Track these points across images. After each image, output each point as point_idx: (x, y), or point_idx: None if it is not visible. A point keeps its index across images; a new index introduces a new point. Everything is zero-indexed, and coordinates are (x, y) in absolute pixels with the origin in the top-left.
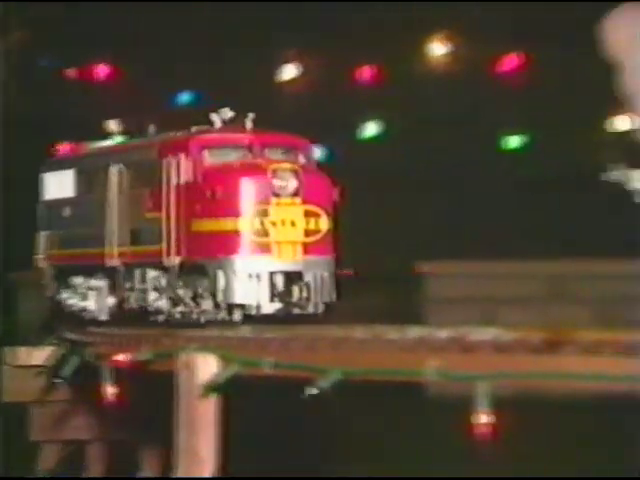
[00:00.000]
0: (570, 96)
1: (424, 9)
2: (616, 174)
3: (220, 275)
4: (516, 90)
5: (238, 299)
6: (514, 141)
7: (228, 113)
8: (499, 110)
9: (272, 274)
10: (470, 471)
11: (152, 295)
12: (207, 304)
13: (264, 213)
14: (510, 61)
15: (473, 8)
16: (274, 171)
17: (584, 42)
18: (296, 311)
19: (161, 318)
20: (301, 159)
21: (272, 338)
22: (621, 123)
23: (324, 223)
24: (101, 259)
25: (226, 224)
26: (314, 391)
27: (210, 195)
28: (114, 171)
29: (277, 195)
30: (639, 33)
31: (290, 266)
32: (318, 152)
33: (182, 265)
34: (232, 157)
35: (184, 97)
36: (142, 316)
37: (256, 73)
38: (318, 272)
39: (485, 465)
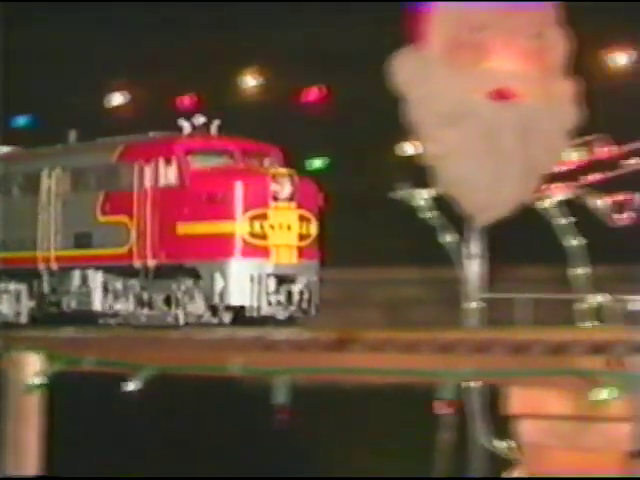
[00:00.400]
0: (365, 124)
1: (239, 44)
2: (403, 193)
3: (217, 277)
4: (319, 118)
5: (237, 301)
6: (317, 163)
7: (200, 119)
8: (304, 135)
9: (269, 277)
10: (268, 450)
11: (104, 298)
12: (197, 306)
13: (263, 217)
14: (313, 93)
15: (282, 44)
16: (273, 176)
17: (377, 77)
18: (297, 314)
19: (114, 321)
20: (274, 165)
21: (95, 337)
22: (408, 148)
23: (314, 228)
24: (33, 262)
25: (225, 227)
26: (132, 386)
27: (206, 198)
28: (50, 175)
29: (275, 199)
30: (420, 71)
31: (286, 269)
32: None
33: (158, 267)
34: (215, 162)
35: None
36: (84, 319)
37: (87, 99)
38: (310, 276)
39: (283, 442)
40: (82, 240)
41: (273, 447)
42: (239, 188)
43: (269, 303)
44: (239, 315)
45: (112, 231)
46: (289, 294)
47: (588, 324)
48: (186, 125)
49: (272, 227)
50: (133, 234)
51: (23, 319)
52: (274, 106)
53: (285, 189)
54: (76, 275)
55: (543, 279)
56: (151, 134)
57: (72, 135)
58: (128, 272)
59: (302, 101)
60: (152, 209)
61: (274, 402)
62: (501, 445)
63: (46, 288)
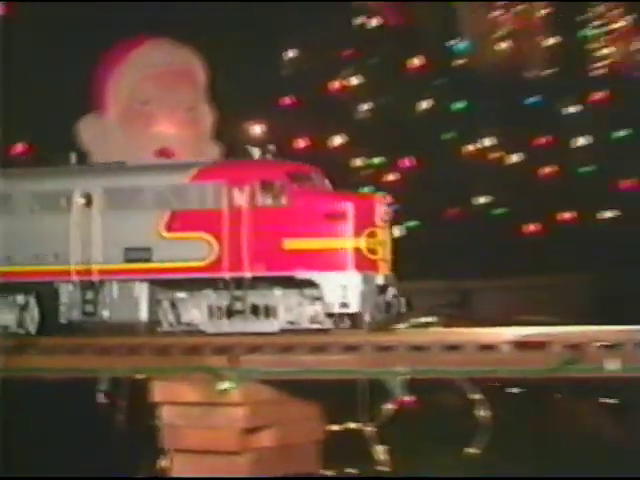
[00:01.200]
0: None
1: None
2: None
3: (335, 287)
4: None
5: (354, 309)
6: None
7: (270, 147)
8: None
9: (378, 287)
10: None
11: (168, 309)
12: (307, 313)
13: (374, 234)
14: None
15: None
16: (379, 198)
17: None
18: (398, 322)
19: (179, 329)
20: (323, 183)
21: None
22: None
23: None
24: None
25: (345, 242)
26: None
27: (323, 217)
28: (86, 194)
29: (381, 219)
30: (101, 134)
31: (383, 280)
32: None
33: (255, 279)
34: (306, 184)
35: None
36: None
37: None
38: (396, 286)
39: None
40: (137, 254)
41: None
42: (357, 209)
43: (382, 311)
44: (354, 322)
45: (184, 246)
46: (390, 304)
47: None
48: (256, 151)
49: (379, 243)
50: (216, 249)
51: (32, 329)
52: None
53: (384, 210)
54: (125, 287)
55: None
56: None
57: (73, 158)
58: (204, 284)
59: None
60: (249, 227)
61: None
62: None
63: (78, 299)
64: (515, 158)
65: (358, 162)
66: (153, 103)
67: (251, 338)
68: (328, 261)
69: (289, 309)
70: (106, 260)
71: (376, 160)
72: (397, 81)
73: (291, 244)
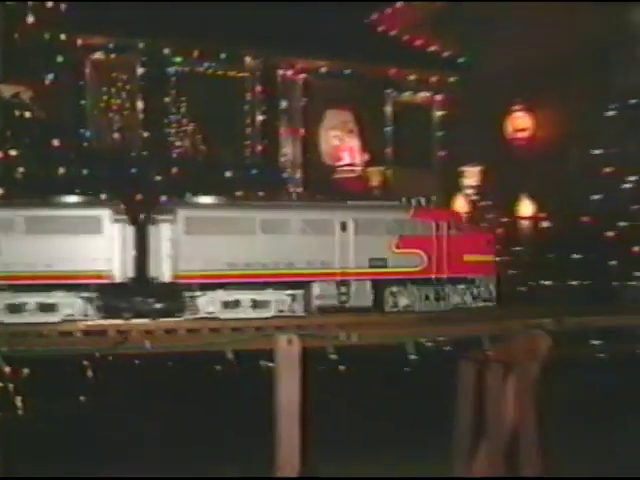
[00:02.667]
0: None
1: None
2: None
3: (489, 285)
4: None
5: (495, 300)
6: None
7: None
8: None
9: None
10: None
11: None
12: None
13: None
14: None
15: None
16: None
17: None
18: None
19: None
20: None
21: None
22: None
23: None
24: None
25: (491, 258)
26: None
27: (485, 243)
28: (344, 223)
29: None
30: None
31: None
32: None
33: (448, 279)
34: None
35: None
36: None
37: None
38: None
39: None
40: (377, 263)
41: None
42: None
43: None
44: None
45: (407, 258)
46: None
47: None
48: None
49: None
50: (426, 260)
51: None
52: None
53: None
54: (366, 284)
55: None
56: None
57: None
58: (420, 282)
59: None
60: (445, 247)
61: None
62: None
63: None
64: None
65: None
66: None
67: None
68: (484, 269)
69: (460, 296)
70: (357, 266)
71: None
72: None
73: (468, 258)
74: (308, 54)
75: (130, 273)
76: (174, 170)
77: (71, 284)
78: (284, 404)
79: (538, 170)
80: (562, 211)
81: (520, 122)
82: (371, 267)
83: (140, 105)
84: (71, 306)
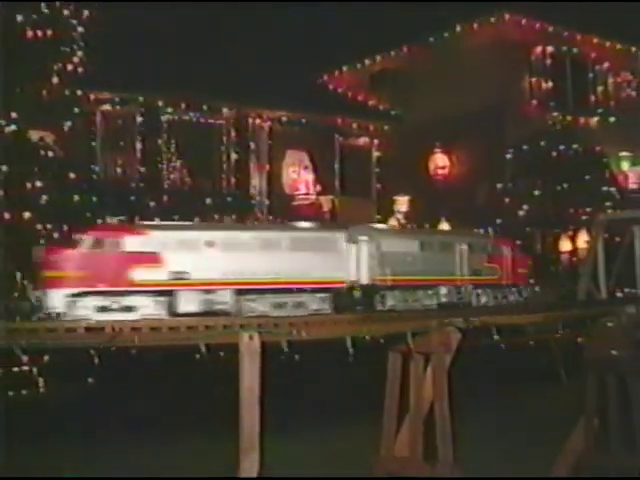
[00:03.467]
0: None
1: None
2: None
3: (525, 289)
4: None
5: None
6: None
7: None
8: None
9: None
10: None
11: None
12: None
13: None
14: None
15: None
16: None
17: None
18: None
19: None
20: None
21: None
22: None
23: None
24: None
25: (526, 271)
26: None
27: (525, 261)
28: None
29: None
30: None
31: None
32: None
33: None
34: None
35: None
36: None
37: None
38: None
39: None
40: (476, 272)
41: None
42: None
43: None
44: None
45: (491, 270)
46: None
47: None
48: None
49: None
50: (500, 272)
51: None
52: None
53: None
54: (469, 287)
55: None
56: None
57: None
58: (495, 286)
59: None
60: (511, 263)
61: None
62: None
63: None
64: None
65: None
66: None
67: None
68: (525, 278)
69: (513, 295)
70: (468, 275)
71: None
72: None
73: (519, 271)
74: (273, 106)
75: (353, 278)
76: (165, 198)
77: (318, 288)
78: (246, 391)
79: (454, 199)
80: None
81: (440, 161)
82: (473, 275)
83: (139, 146)
84: (317, 303)
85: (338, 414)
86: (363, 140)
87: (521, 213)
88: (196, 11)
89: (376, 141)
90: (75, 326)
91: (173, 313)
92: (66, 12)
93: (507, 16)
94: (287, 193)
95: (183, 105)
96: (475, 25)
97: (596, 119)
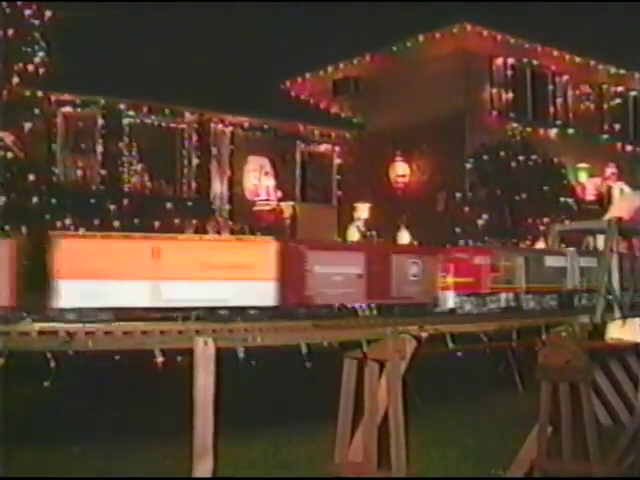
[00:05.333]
0: None
1: None
2: None
3: None
4: None
5: None
6: None
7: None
8: None
9: None
10: None
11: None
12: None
13: None
14: None
15: None
16: None
17: None
18: None
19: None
20: None
21: None
22: None
23: None
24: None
25: None
26: None
27: None
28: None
29: None
30: None
31: None
32: None
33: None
34: None
35: None
36: None
37: None
38: None
39: None
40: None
41: None
42: None
43: None
44: None
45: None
46: None
47: None
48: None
49: None
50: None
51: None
52: None
53: None
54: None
55: None
56: None
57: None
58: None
59: None
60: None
61: None
62: None
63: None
64: None
65: None
66: None
67: None
68: None
69: None
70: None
71: None
72: None
73: None
74: (235, 111)
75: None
76: (125, 201)
77: None
78: (201, 395)
79: (413, 207)
80: (431, 240)
81: (400, 170)
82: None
83: (99, 149)
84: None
85: (291, 421)
86: (325, 147)
87: (480, 222)
88: (161, 12)
89: (337, 148)
90: (28, 330)
91: None
92: (28, 12)
93: (469, 27)
94: (248, 199)
95: (145, 108)
96: (437, 35)
97: (555, 131)
